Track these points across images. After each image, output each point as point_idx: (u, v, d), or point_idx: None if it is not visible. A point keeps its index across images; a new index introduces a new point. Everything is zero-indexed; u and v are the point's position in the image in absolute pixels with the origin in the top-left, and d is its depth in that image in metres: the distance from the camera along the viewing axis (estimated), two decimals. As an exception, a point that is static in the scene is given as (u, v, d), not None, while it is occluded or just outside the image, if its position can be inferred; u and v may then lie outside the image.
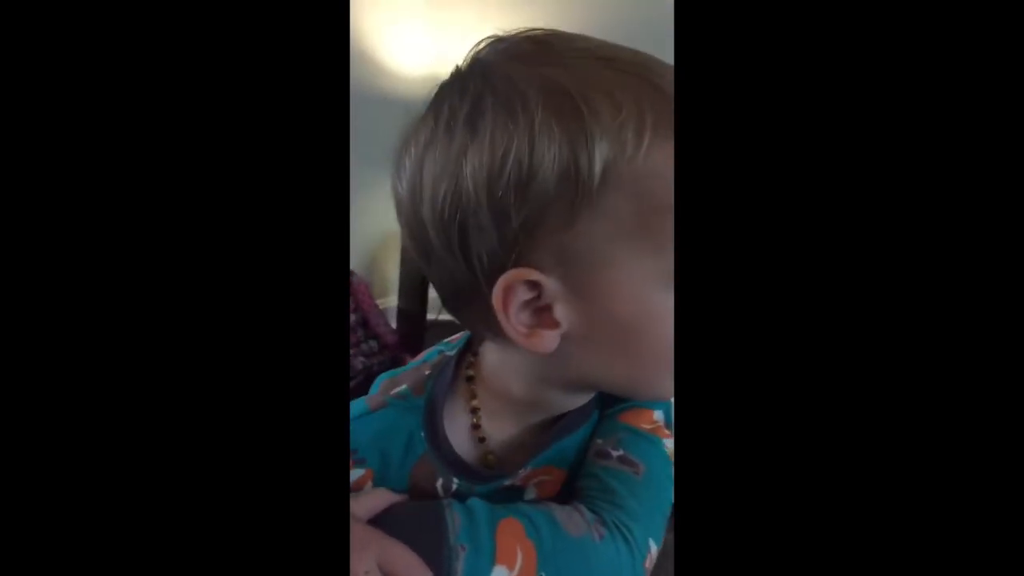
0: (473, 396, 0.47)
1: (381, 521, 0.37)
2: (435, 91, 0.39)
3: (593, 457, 0.45)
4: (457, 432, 0.47)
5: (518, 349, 0.38)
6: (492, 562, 0.35)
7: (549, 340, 0.37)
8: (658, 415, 0.47)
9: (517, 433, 0.47)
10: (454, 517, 0.37)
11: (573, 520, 0.40)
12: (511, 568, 0.35)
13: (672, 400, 0.48)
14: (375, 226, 2.37)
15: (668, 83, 0.35)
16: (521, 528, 0.38)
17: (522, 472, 0.46)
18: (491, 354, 0.46)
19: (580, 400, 0.47)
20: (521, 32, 0.37)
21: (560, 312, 0.37)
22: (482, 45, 0.38)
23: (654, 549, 0.41)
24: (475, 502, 0.40)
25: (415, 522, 0.38)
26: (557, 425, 0.47)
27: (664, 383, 0.42)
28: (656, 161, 0.34)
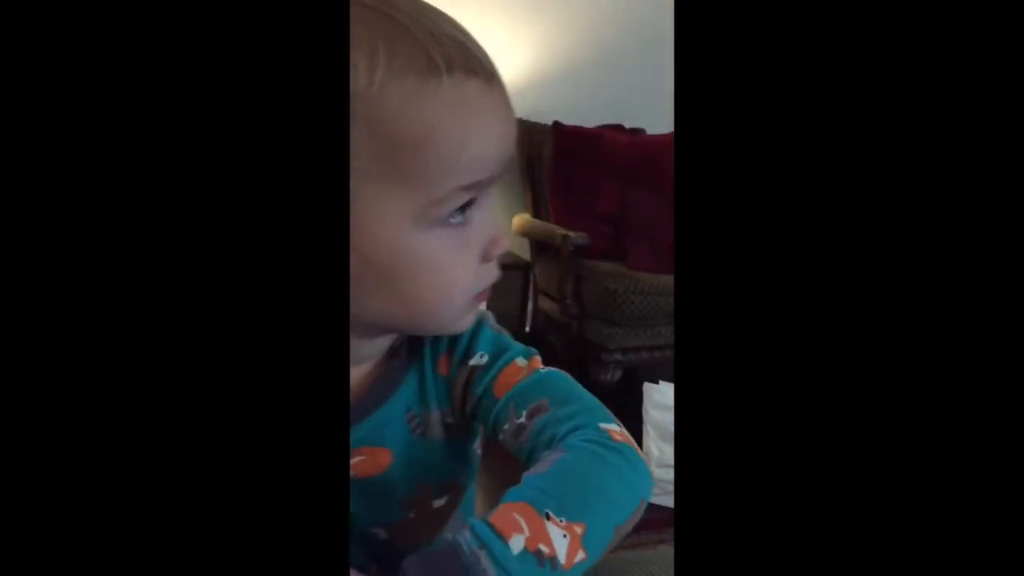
0: None
1: None
2: None
3: (511, 441, 0.44)
4: None
5: None
6: (503, 540, 0.34)
7: None
8: (520, 361, 0.46)
9: None
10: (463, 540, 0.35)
11: (540, 463, 0.39)
12: (520, 532, 0.34)
13: (502, 333, 0.47)
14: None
15: (407, 16, 0.34)
16: (504, 502, 0.37)
17: None
18: None
19: (378, 344, 0.46)
20: None
21: None
22: None
23: (612, 426, 0.41)
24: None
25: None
26: (365, 395, 0.46)
27: (443, 316, 0.41)
28: (392, 97, 0.34)
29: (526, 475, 0.38)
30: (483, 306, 0.45)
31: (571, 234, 1.92)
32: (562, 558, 0.35)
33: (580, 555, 0.35)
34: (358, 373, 0.46)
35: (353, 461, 0.47)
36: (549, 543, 0.35)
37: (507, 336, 0.47)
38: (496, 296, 0.45)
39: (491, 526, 0.35)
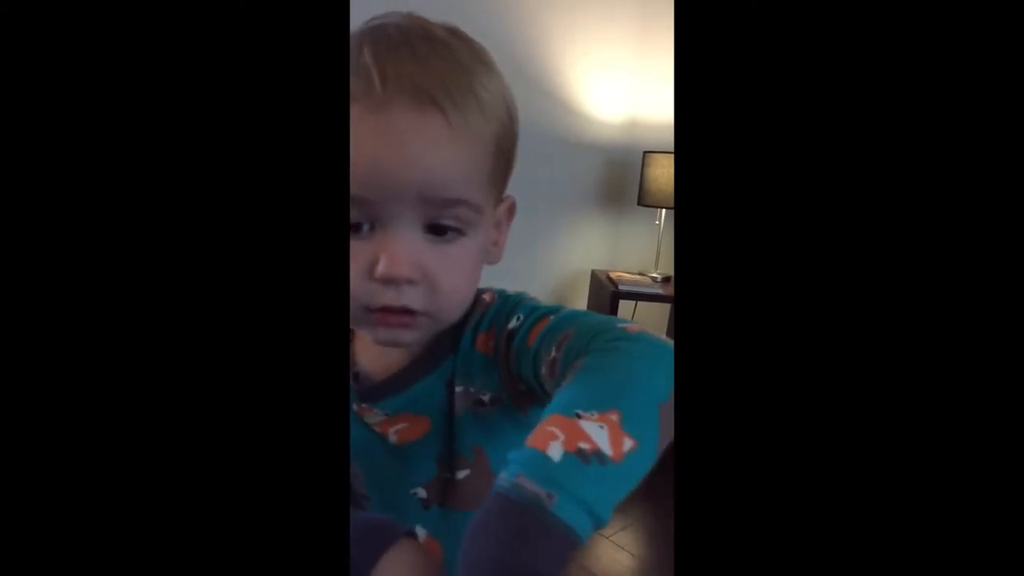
0: None
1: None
2: None
3: (549, 381, 0.44)
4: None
5: None
6: (541, 454, 0.33)
7: None
8: (553, 316, 0.47)
9: (382, 352, 0.53)
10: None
11: (566, 378, 0.40)
12: (555, 439, 0.33)
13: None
14: (565, 265, 2.43)
15: (359, 48, 0.41)
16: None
17: (380, 414, 0.52)
18: None
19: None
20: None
21: None
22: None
23: (628, 323, 0.41)
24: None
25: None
26: (408, 368, 0.52)
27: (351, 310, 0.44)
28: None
29: (556, 392, 0.39)
30: (412, 334, 0.46)
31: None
32: (607, 449, 0.33)
33: (628, 443, 0.34)
34: (408, 351, 0.52)
35: (397, 427, 0.52)
36: (587, 438, 0.33)
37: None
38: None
39: (524, 449, 0.34)
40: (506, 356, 0.49)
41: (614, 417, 0.34)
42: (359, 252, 0.43)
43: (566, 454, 0.33)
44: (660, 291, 2.19)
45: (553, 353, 0.43)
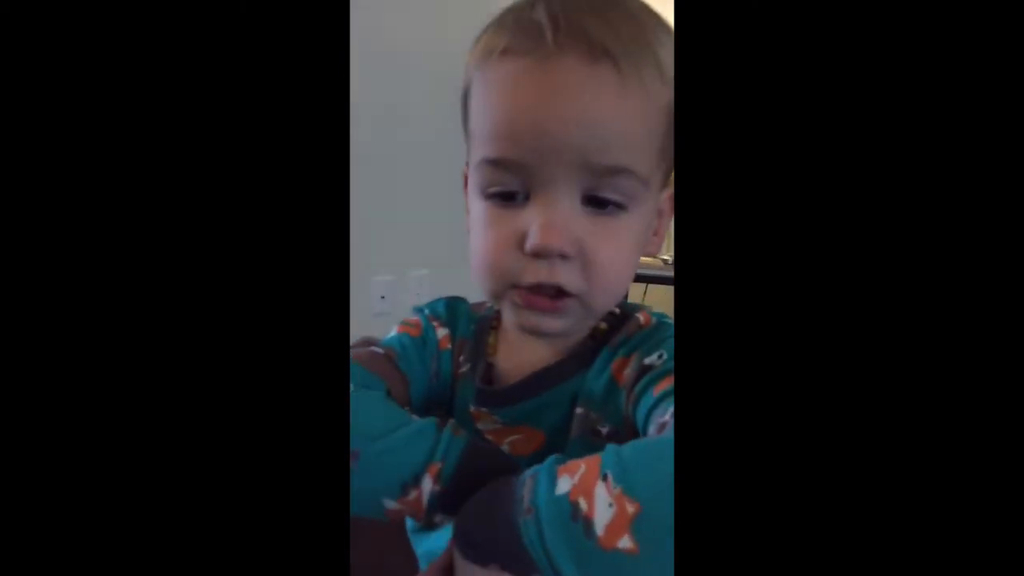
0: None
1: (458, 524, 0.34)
2: None
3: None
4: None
5: None
6: (555, 478, 0.31)
7: None
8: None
9: (520, 349, 0.47)
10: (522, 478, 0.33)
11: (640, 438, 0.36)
12: (572, 474, 0.31)
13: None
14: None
15: (512, 4, 0.40)
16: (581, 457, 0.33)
17: (497, 422, 0.46)
18: None
19: (570, 325, 0.43)
20: None
21: None
22: None
23: None
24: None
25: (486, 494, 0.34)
26: (540, 374, 0.45)
27: (482, 285, 0.42)
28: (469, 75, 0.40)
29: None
30: (556, 321, 0.41)
31: None
32: (599, 528, 0.28)
33: (626, 541, 0.28)
34: (552, 348, 0.46)
35: (512, 438, 0.47)
36: (590, 502, 0.29)
37: None
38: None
39: (558, 461, 0.32)
40: (630, 391, 0.42)
41: (630, 508, 0.28)
42: (510, 223, 0.38)
43: (564, 497, 0.30)
44: (671, 273, 2.20)
45: (667, 416, 0.36)
